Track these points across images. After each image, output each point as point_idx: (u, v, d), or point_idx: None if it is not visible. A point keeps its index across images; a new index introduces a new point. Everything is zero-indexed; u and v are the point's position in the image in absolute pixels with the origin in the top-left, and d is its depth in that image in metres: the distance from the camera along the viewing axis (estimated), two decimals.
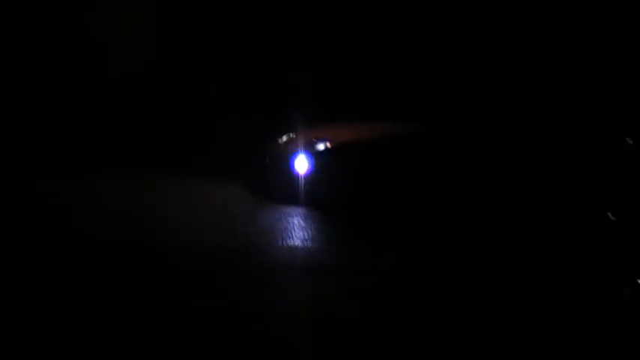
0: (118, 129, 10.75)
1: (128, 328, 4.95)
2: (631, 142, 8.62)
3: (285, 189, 7.97)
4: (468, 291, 6.25)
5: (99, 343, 4.74)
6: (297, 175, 7.94)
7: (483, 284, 6.50)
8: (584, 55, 10.28)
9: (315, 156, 8.00)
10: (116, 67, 11.41)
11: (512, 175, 8.59)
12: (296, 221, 7.37)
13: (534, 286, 6.47)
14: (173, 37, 11.62)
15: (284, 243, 6.72)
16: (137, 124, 10.83)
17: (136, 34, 11.45)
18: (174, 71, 11.50)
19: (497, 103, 9.72)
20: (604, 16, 10.49)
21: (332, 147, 8.09)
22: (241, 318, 5.10)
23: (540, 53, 10.48)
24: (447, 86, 10.49)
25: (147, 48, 11.44)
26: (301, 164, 7.97)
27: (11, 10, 11.43)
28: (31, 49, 11.54)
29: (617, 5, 10.57)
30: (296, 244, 6.70)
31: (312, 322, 5.25)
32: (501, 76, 10.43)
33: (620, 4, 10.57)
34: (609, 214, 7.05)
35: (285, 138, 8.59)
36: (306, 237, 6.91)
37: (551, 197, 8.46)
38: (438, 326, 5.33)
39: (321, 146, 8.08)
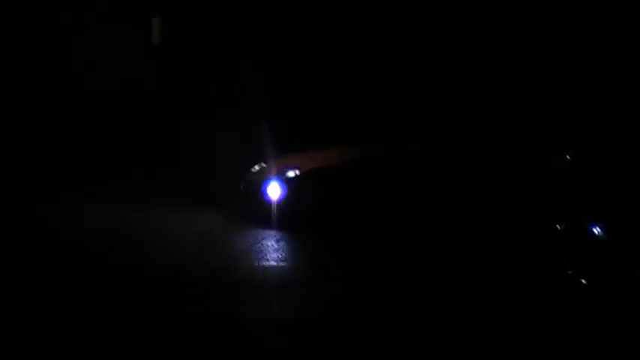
0: (96, 157, 10.85)
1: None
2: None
3: (259, 214, 8.43)
4: (468, 291, 6.26)
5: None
6: (270, 200, 8.39)
7: (483, 284, 6.51)
8: (584, 55, 10.29)
9: (286, 182, 8.42)
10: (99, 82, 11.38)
11: (512, 175, 8.59)
12: (269, 243, 7.70)
13: (534, 286, 6.47)
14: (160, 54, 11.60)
15: (259, 263, 7.01)
16: (114, 154, 10.94)
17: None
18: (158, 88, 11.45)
19: (497, 103, 9.72)
20: (604, 16, 10.49)
21: (301, 174, 8.48)
22: (220, 331, 5.12)
23: (540, 53, 10.48)
24: (446, 86, 10.49)
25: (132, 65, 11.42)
26: (273, 191, 8.41)
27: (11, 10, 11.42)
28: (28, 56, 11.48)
29: (617, 5, 10.57)
30: (271, 263, 6.97)
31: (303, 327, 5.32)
32: (501, 76, 10.43)
33: (620, 4, 10.57)
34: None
35: (257, 167, 9.05)
36: (280, 257, 7.24)
37: (550, 197, 8.46)
38: (438, 326, 5.33)
39: (290, 173, 8.49)
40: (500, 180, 8.59)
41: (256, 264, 6.92)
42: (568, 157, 8.85)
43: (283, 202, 8.35)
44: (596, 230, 7.81)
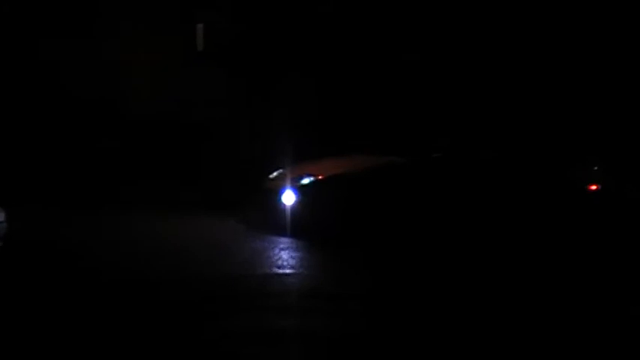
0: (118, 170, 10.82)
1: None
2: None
3: (275, 221, 8.42)
4: (467, 291, 6.24)
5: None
6: (285, 207, 8.39)
7: (483, 284, 6.49)
8: (581, 55, 10.30)
9: (302, 190, 8.43)
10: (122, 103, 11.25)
11: (513, 180, 8.58)
12: (282, 251, 7.70)
13: (535, 286, 6.45)
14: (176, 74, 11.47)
15: (273, 270, 7.00)
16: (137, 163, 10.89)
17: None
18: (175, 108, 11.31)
19: (497, 103, 9.72)
20: (602, 16, 10.48)
21: (318, 181, 8.49)
22: (229, 338, 5.01)
23: (539, 53, 10.47)
24: (443, 88, 10.47)
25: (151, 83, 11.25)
26: (289, 198, 8.42)
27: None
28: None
29: (615, 5, 10.56)
30: (286, 271, 6.95)
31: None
32: (501, 76, 10.41)
33: (619, 3, 10.56)
34: None
35: (275, 174, 9.01)
36: (294, 264, 7.22)
37: (552, 199, 8.45)
38: (437, 326, 5.31)
39: (305, 180, 8.50)
40: (503, 182, 8.59)
41: (267, 271, 6.91)
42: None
43: (298, 209, 8.32)
44: None
